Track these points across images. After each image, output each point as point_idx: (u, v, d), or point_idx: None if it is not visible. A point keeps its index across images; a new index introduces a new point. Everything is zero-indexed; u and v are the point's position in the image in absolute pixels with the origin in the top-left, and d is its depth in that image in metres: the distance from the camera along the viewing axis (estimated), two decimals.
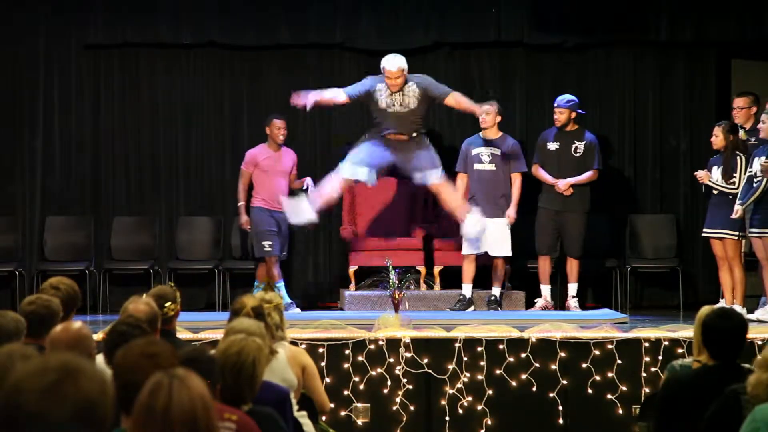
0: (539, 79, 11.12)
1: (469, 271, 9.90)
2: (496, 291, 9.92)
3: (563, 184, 9.87)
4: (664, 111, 11.13)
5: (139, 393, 2.69)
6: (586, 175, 9.93)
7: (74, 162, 10.95)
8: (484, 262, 10.10)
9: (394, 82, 9.26)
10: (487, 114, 9.84)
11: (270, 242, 9.89)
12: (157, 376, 2.68)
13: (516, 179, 9.91)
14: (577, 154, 9.97)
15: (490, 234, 9.78)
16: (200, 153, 11.09)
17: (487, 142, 9.93)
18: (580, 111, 10.06)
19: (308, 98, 9.32)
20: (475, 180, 9.94)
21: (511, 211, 9.84)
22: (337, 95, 9.45)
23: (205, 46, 10.98)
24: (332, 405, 7.48)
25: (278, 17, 10.84)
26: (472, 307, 9.85)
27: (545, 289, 10.03)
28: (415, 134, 9.47)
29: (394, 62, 9.27)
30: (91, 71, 10.99)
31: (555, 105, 10.02)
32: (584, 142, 9.98)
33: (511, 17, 10.90)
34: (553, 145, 10.05)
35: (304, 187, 9.91)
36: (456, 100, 9.44)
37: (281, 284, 9.77)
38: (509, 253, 9.90)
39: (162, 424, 2.62)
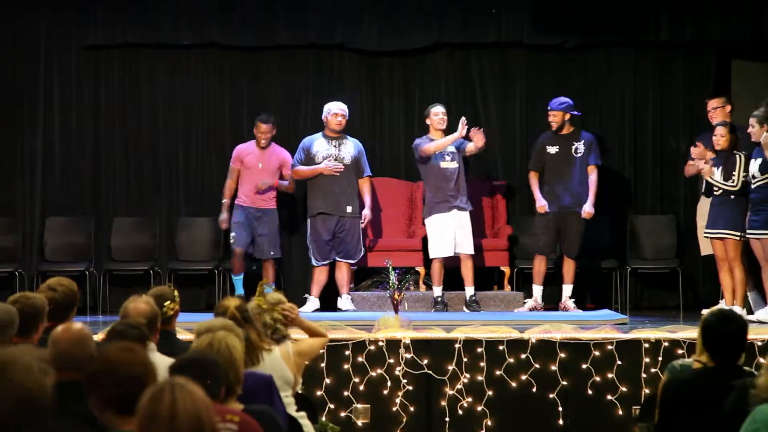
0: (539, 79, 11.11)
1: (441, 273, 9.91)
2: (470, 291, 9.91)
3: (586, 214, 9.88)
4: (664, 111, 11.12)
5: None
6: (593, 182, 9.92)
7: (74, 162, 10.94)
8: (481, 264, 10.11)
9: (341, 121, 9.86)
10: (444, 115, 9.92)
11: (234, 234, 10.03)
12: (158, 384, 2.71)
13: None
14: (578, 155, 9.98)
15: (459, 233, 9.80)
16: (200, 153, 11.09)
17: None
18: (574, 113, 10.06)
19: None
20: (439, 178, 9.91)
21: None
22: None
23: (205, 46, 10.98)
24: (332, 406, 7.50)
25: (278, 17, 10.83)
26: (447, 308, 9.88)
27: (537, 290, 10.03)
28: (350, 209, 9.91)
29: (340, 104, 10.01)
30: (91, 71, 10.98)
31: (549, 108, 10.04)
32: (583, 141, 9.99)
33: (511, 17, 10.89)
34: (552, 149, 10.04)
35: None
36: (367, 186, 10.08)
37: (240, 277, 9.99)
38: (472, 251, 9.89)
39: (168, 430, 2.63)
